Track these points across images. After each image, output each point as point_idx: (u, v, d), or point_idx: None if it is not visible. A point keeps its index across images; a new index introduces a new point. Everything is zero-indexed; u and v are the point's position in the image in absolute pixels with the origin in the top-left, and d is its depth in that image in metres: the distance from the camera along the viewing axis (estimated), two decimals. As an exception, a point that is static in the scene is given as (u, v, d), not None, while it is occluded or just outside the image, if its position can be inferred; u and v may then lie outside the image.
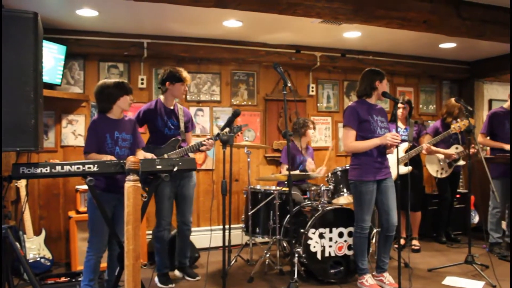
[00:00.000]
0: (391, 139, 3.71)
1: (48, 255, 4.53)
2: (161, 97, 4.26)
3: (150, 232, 5.12)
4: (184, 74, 4.17)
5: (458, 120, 4.84)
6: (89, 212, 3.44)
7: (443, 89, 7.26)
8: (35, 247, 4.48)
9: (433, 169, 5.55)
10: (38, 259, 4.44)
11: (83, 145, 3.56)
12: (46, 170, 2.74)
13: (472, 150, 4.83)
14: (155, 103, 4.23)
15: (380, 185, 3.91)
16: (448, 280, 4.19)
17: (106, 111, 3.49)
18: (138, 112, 4.23)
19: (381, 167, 3.88)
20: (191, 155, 4.27)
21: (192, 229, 4.43)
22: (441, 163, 5.47)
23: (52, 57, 4.73)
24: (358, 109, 3.92)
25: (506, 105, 5.25)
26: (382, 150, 3.92)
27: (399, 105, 5.04)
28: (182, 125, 4.26)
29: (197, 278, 4.33)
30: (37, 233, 4.59)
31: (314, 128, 5.43)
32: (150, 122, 4.21)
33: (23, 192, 4.47)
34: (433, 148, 5.20)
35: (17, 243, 3.08)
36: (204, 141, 4.09)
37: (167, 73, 4.17)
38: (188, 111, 4.47)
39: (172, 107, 4.26)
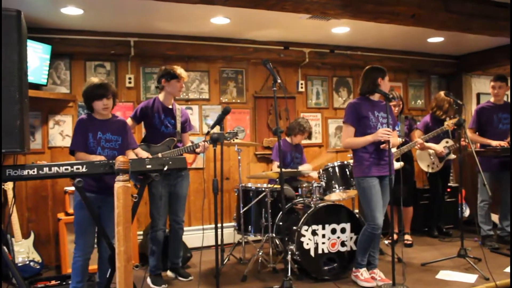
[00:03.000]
0: (382, 134, 3.70)
1: (38, 258, 4.45)
2: (160, 96, 4.24)
3: (141, 232, 5.11)
4: (179, 70, 4.15)
5: (451, 116, 4.84)
6: (75, 213, 3.38)
7: (431, 84, 7.28)
8: (23, 251, 4.40)
9: (424, 164, 5.55)
10: (27, 262, 4.37)
11: (71, 145, 3.49)
12: (33, 171, 2.68)
13: (462, 143, 4.84)
14: (153, 101, 4.22)
15: (380, 183, 3.89)
16: (442, 274, 4.19)
17: (91, 111, 3.45)
18: (136, 110, 4.25)
19: (379, 162, 3.85)
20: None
21: (184, 228, 4.38)
22: (431, 158, 5.48)
23: (37, 57, 4.64)
24: (357, 105, 3.90)
25: (493, 99, 5.26)
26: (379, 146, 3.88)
27: (394, 102, 4.96)
28: (178, 125, 4.25)
29: (190, 278, 4.29)
30: (25, 236, 4.51)
31: (310, 138, 5.41)
32: (147, 119, 4.20)
33: (10, 195, 4.39)
34: (426, 143, 5.21)
35: (4, 247, 3.01)
36: (199, 143, 4.09)
37: (162, 71, 4.18)
38: (185, 112, 4.44)
39: (170, 106, 4.25)
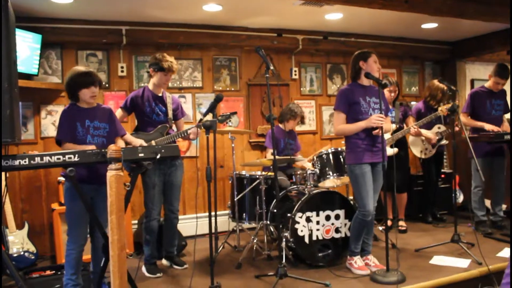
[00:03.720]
0: (375, 120, 3.69)
1: (32, 248, 4.45)
2: (149, 84, 4.22)
3: (136, 221, 5.11)
4: (166, 64, 4.07)
5: (445, 102, 4.84)
6: (66, 203, 3.34)
7: (425, 70, 7.28)
8: (18, 241, 4.39)
9: (417, 150, 5.56)
10: (22, 253, 4.36)
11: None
12: (25, 161, 2.66)
13: (456, 129, 4.85)
14: (142, 90, 4.19)
15: (373, 169, 3.88)
16: (436, 259, 4.21)
17: (75, 101, 3.38)
18: (126, 100, 4.21)
19: (372, 149, 3.83)
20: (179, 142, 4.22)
21: (179, 217, 4.38)
22: (424, 144, 5.49)
23: (27, 46, 4.59)
24: (348, 91, 3.88)
25: (487, 84, 5.26)
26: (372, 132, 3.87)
27: (389, 87, 4.95)
28: (170, 112, 4.22)
29: (185, 266, 4.30)
30: (19, 226, 4.49)
31: (303, 123, 5.39)
32: (138, 109, 4.16)
33: (2, 185, 4.36)
34: (421, 130, 5.21)
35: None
36: (192, 128, 4.06)
37: (152, 60, 4.14)
38: (176, 99, 4.41)
39: (160, 94, 4.21)
